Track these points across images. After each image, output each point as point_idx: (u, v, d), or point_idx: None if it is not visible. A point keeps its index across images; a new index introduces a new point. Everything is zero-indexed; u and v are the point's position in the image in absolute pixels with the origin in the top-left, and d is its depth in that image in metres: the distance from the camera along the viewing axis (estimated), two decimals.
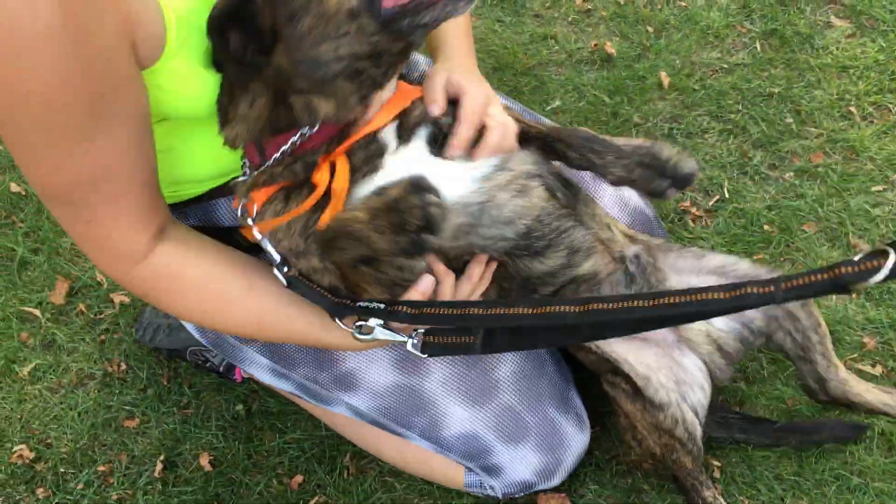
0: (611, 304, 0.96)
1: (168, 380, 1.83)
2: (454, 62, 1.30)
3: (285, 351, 1.43)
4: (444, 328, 1.15)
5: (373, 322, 1.13)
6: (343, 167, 1.11)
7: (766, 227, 1.92)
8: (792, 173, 2.01)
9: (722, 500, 1.47)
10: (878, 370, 1.68)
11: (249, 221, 1.15)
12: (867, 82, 2.14)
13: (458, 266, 1.19)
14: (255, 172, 1.14)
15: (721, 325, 1.43)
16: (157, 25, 0.97)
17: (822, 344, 1.45)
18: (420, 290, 1.13)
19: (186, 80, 1.07)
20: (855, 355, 1.69)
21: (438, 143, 1.16)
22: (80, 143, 0.96)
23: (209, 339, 1.47)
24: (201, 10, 1.01)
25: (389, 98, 1.16)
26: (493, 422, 1.40)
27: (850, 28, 2.27)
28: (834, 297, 1.79)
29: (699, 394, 1.40)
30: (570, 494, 1.57)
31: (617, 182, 1.16)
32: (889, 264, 0.78)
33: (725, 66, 2.23)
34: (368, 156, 1.13)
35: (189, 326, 1.52)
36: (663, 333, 1.41)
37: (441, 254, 1.17)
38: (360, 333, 1.14)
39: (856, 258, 0.82)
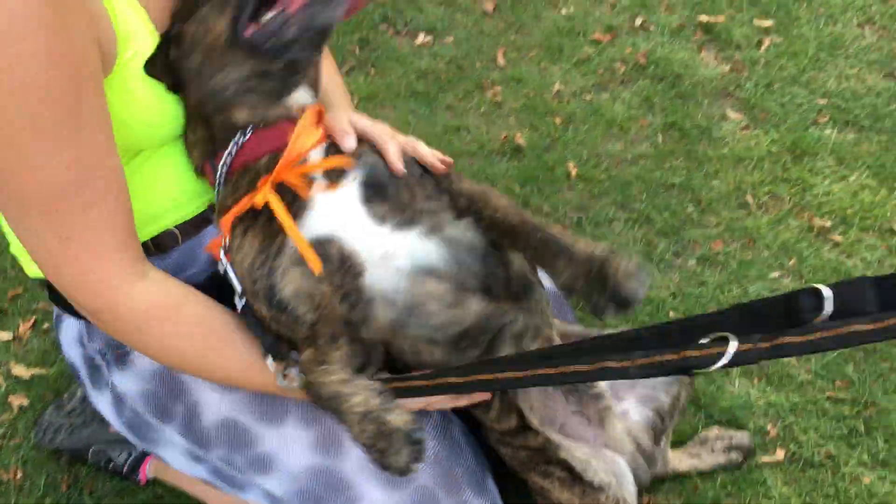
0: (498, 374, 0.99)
1: (68, 486, 1.76)
2: (343, 108, 1.33)
3: (202, 430, 1.39)
4: None
5: (295, 372, 1.13)
6: (275, 200, 1.09)
7: (671, 313, 1.98)
8: (694, 261, 2.09)
9: None
10: (781, 455, 1.73)
11: (221, 253, 1.14)
12: (761, 172, 2.26)
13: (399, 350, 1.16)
14: (217, 195, 1.17)
15: (636, 418, 1.46)
16: (110, 33, 0.98)
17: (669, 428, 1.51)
18: None
19: (137, 97, 1.07)
20: (758, 441, 1.74)
21: (370, 195, 1.11)
22: (63, 141, 0.93)
23: (126, 418, 1.42)
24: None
25: (312, 107, 1.16)
26: None
27: (745, 121, 2.40)
28: (737, 382, 1.85)
29: (631, 487, 1.41)
30: None
31: (561, 288, 1.13)
32: (730, 352, 0.80)
33: (629, 157, 2.33)
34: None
35: (105, 407, 1.45)
36: (589, 434, 1.42)
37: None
38: (283, 381, 1.14)
39: (703, 341, 0.82)
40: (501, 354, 1.18)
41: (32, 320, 1.99)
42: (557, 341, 1.33)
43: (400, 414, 1.06)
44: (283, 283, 1.08)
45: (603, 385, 1.43)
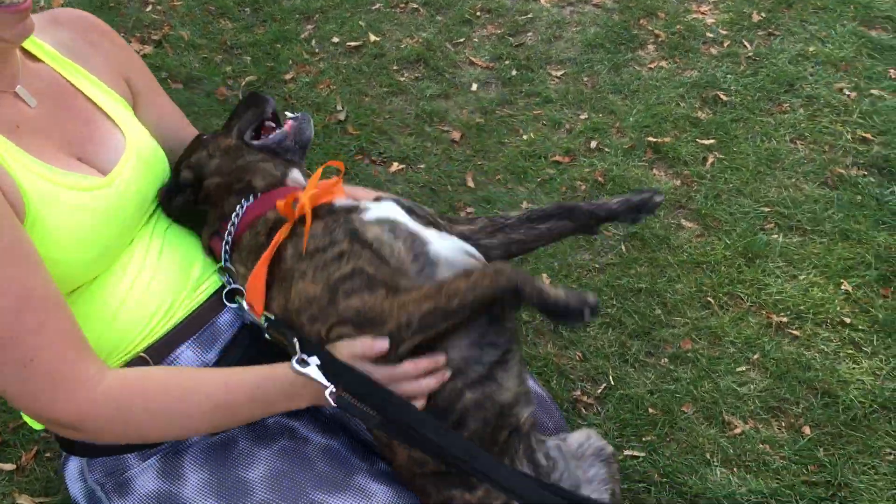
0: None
1: None
2: None
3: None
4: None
5: (313, 360, 1.25)
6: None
7: (650, 409, 2.09)
8: (666, 359, 2.22)
9: None
10: None
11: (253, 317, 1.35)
12: (719, 275, 2.44)
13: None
14: (230, 263, 1.39)
15: None
16: (12, 186, 1.13)
17: None
18: (361, 342, 1.26)
19: (55, 237, 1.19)
20: None
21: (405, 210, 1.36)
22: (8, 268, 1.06)
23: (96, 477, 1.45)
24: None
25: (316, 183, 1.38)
26: None
27: (699, 229, 2.61)
28: (717, 471, 1.95)
29: None
30: None
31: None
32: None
33: (597, 266, 2.50)
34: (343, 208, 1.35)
35: (71, 478, 1.48)
36: None
37: None
38: (298, 364, 1.25)
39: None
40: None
41: (35, 450, 2.01)
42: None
43: None
44: (365, 229, 1.28)
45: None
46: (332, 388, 1.26)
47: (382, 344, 1.31)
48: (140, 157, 1.36)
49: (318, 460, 1.55)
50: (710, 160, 2.84)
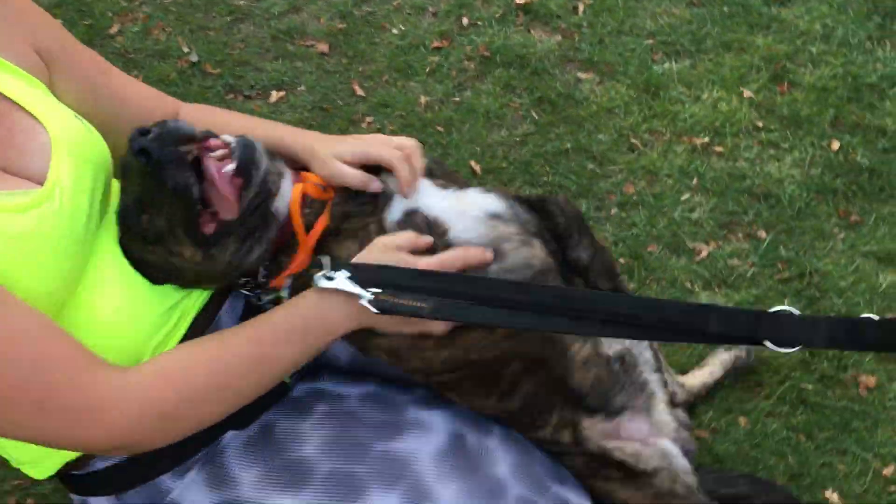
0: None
1: None
2: (305, 143, 1.33)
3: None
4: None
5: (339, 274, 1.15)
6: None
7: (621, 260, 2.12)
8: (616, 208, 2.25)
9: None
10: None
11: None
12: (632, 116, 2.47)
13: None
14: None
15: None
16: None
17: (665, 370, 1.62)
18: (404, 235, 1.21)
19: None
20: None
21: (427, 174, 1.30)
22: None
23: None
24: None
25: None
26: None
27: (595, 77, 2.61)
28: (703, 296, 2.02)
29: (682, 461, 1.50)
30: None
31: (573, 262, 1.26)
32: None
33: (517, 139, 2.46)
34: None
35: None
36: (637, 427, 1.50)
37: None
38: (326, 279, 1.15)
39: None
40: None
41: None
42: None
43: None
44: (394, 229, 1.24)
45: (647, 374, 1.52)
46: (368, 295, 1.14)
47: (427, 238, 1.22)
48: (72, 153, 1.13)
49: (363, 410, 1.47)
50: (581, 8, 2.82)
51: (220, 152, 1.12)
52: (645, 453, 1.43)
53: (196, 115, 1.39)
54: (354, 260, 1.20)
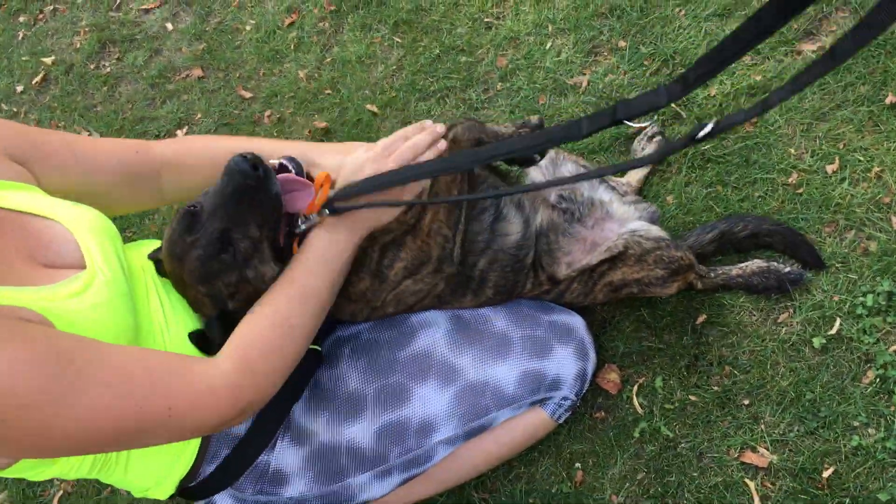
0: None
1: None
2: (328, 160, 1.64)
3: (371, 454, 1.65)
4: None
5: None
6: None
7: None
8: (500, 83, 2.53)
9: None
10: None
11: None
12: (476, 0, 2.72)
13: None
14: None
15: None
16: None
17: (607, 181, 1.95)
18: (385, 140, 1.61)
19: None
20: None
21: None
22: (92, 357, 1.16)
23: None
24: None
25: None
26: (525, 353, 1.71)
27: None
28: None
29: (653, 228, 1.80)
30: (606, 361, 1.96)
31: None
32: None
33: (394, 67, 2.71)
34: None
35: None
36: (609, 227, 1.82)
37: None
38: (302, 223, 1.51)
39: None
40: None
41: None
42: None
43: None
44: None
45: (590, 193, 1.85)
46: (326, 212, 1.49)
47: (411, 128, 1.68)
48: (89, 229, 1.36)
49: (377, 335, 1.79)
50: None
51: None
52: (612, 242, 1.76)
53: (186, 146, 1.69)
54: (339, 182, 1.52)
